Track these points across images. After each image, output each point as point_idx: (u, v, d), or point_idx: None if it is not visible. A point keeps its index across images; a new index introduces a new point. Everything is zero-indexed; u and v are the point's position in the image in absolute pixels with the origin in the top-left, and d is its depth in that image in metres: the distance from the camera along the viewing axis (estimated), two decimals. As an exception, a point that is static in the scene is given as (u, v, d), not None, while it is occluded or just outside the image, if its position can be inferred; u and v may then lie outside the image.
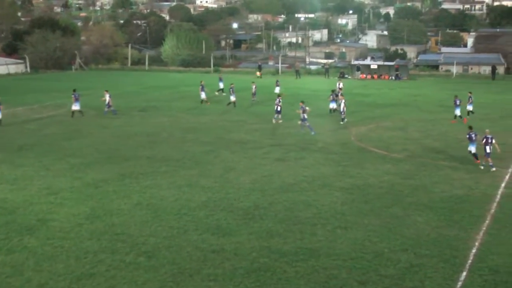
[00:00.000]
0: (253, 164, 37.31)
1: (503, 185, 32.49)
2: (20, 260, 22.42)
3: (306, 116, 46.79)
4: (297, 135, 45.97)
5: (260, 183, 32.85)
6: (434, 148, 41.56)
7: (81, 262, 22.14)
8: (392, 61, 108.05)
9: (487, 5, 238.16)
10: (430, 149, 41.31)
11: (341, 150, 41.31)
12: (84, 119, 53.42)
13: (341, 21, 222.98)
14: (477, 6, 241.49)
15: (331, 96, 56.77)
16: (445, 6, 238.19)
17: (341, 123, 51.72)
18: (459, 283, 20.49)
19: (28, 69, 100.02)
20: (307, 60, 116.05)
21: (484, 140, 36.19)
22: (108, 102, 55.73)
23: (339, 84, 65.62)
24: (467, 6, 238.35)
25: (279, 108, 52.33)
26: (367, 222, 26.50)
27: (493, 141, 35.96)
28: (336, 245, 23.79)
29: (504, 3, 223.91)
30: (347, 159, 38.70)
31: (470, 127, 38.29)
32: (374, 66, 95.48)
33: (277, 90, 67.58)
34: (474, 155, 37.21)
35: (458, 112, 53.05)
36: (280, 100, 52.98)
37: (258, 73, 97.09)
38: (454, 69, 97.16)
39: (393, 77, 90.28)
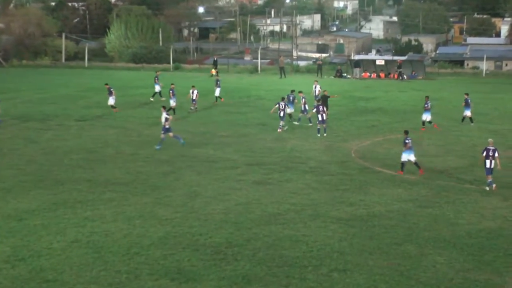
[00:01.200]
0: (224, 188, 37.33)
1: (548, 215, 32.79)
2: None
3: (307, 107, 48.20)
4: (282, 151, 46.04)
5: (234, 213, 32.85)
6: (458, 168, 41.84)
7: (0, 319, 22.08)
8: (404, 55, 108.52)
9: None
10: (452, 168, 41.57)
11: (339, 170, 41.48)
12: (3, 131, 53.24)
13: (338, 3, 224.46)
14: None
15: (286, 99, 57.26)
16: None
17: (296, 123, 55.08)
18: None
19: None
20: (295, 54, 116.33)
21: (485, 152, 37.34)
22: None
23: (315, 87, 64.73)
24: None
25: (282, 114, 53.51)
26: (372, 264, 26.60)
27: (496, 154, 37.01)
28: (332, 294, 23.90)
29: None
30: (347, 181, 38.85)
31: (406, 132, 41.49)
32: (380, 62, 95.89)
33: (217, 92, 68.59)
34: (403, 164, 40.51)
35: (428, 117, 54.82)
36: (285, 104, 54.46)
37: (213, 71, 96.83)
38: (484, 66, 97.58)
39: (401, 77, 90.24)
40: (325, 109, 51.71)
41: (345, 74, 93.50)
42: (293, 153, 45.88)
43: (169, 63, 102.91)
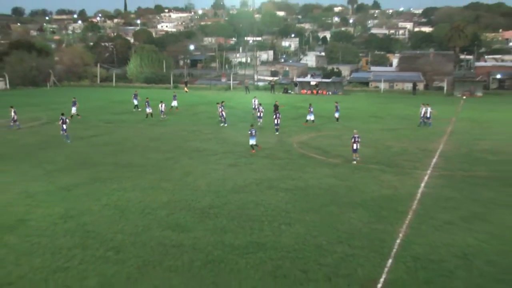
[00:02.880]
0: (208, 169, 37.30)
1: (423, 185, 33.07)
2: (1, 255, 22.21)
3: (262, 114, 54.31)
4: (247, 143, 46.05)
5: (214, 185, 32.89)
6: (366, 154, 41.98)
7: (56, 257, 22.00)
8: (329, 78, 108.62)
9: (409, 31, 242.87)
10: (362, 154, 41.75)
11: (285, 156, 41.53)
12: (57, 130, 52.76)
13: (285, 43, 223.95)
14: (401, 32, 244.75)
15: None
16: (374, 31, 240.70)
17: (221, 125, 55.35)
18: (386, 269, 20.89)
19: (8, 86, 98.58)
20: (255, 77, 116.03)
21: (352, 139, 39.23)
22: (13, 118, 53.43)
23: (254, 101, 63.77)
24: (392, 31, 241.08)
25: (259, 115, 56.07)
26: (308, 219, 26.75)
27: (359, 139, 39.26)
28: (281, 239, 23.98)
29: (423, 29, 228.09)
30: (291, 164, 38.93)
31: (252, 125, 44.69)
32: (313, 82, 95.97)
33: (174, 103, 67.28)
34: (252, 146, 43.04)
35: (312, 117, 56.75)
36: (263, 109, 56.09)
37: (185, 89, 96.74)
38: (382, 85, 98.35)
39: (317, 93, 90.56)
40: (278, 115, 51.78)
41: (290, 91, 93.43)
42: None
43: (170, 83, 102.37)
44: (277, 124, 51.10)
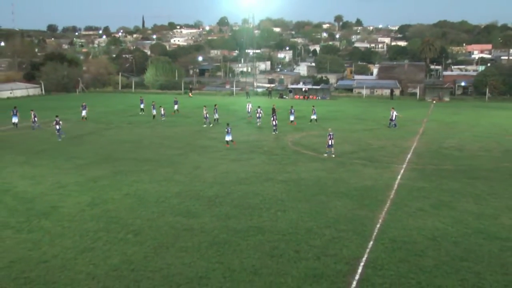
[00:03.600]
0: (214, 163, 37.30)
1: (399, 177, 33.10)
2: (38, 237, 22.26)
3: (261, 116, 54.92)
4: (248, 141, 46.07)
5: (220, 177, 32.89)
6: (350, 151, 42.03)
7: (84, 239, 22.04)
8: (318, 85, 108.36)
9: (387, 45, 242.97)
10: (347, 151, 41.78)
11: (281, 152, 41.51)
12: (85, 129, 52.81)
13: (280, 55, 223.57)
14: (380, 45, 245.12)
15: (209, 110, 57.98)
16: (357, 44, 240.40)
17: (204, 125, 55.14)
18: (367, 250, 20.96)
19: (43, 92, 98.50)
20: (255, 84, 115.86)
21: (328, 136, 39.84)
22: (33, 119, 52.86)
23: (248, 106, 63.55)
24: (373, 45, 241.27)
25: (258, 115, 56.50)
26: (300, 206, 26.77)
27: (333, 136, 39.93)
28: (277, 224, 24.01)
29: (399, 43, 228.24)
30: (285, 159, 38.92)
31: (228, 124, 45.50)
32: (305, 89, 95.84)
33: (175, 107, 66.38)
34: (227, 142, 43.92)
35: (292, 118, 57.56)
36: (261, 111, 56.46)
37: (190, 94, 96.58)
38: (364, 92, 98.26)
39: (307, 98, 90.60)
40: (275, 117, 51.81)
41: (285, 96, 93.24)
42: (254, 142, 45.82)
43: (181, 89, 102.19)
44: (275, 125, 50.98)
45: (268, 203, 27.46)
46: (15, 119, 53.92)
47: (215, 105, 59.85)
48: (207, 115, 55.92)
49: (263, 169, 35.50)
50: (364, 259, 20.18)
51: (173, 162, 37.72)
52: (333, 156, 39.54)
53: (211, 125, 55.54)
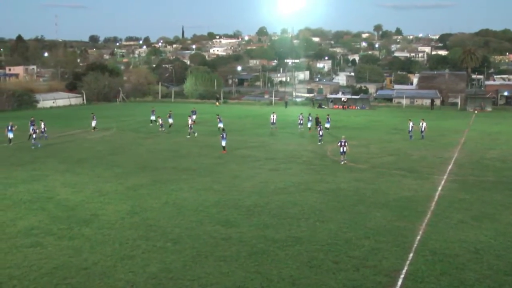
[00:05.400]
0: (253, 173, 37.33)
1: (440, 188, 32.61)
2: (79, 244, 22.54)
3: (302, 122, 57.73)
4: (286, 151, 46.02)
5: (258, 187, 32.88)
6: (389, 161, 41.63)
7: (123, 247, 22.24)
8: (357, 95, 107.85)
9: (427, 54, 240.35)
10: (386, 161, 41.39)
11: (320, 162, 41.35)
12: (125, 138, 53.47)
13: (319, 65, 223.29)
14: (420, 54, 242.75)
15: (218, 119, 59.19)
16: (397, 54, 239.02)
17: (190, 133, 54.84)
18: (407, 262, 20.64)
19: (84, 101, 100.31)
20: (294, 94, 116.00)
21: (339, 143, 40.34)
22: (43, 129, 52.47)
23: (273, 116, 61.75)
24: (413, 54, 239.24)
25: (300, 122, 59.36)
26: (339, 217, 26.57)
27: (346, 144, 40.23)
28: (315, 234, 23.86)
29: (440, 52, 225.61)
30: (324, 169, 38.74)
31: (223, 129, 48.39)
32: (344, 98, 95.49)
33: (193, 117, 64.38)
34: (223, 147, 45.36)
35: (328, 125, 58.34)
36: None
37: (217, 103, 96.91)
38: (404, 101, 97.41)
39: (345, 108, 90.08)
40: (321, 127, 51.84)
41: (323, 106, 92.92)
42: (293, 152, 45.75)
43: (220, 99, 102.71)
44: (321, 136, 50.68)
45: (307, 213, 27.33)
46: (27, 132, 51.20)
47: (218, 115, 60.69)
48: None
49: (301, 179, 35.37)
50: (404, 271, 19.88)
51: (211, 171, 37.88)
52: (344, 163, 40.19)
53: (195, 134, 54.89)
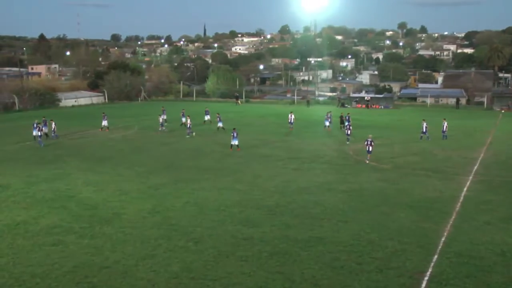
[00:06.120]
0: (275, 172, 37.33)
1: (465, 189, 32.29)
2: (100, 243, 22.74)
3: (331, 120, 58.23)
4: (309, 150, 45.92)
5: (280, 187, 32.88)
6: (414, 161, 41.33)
7: (145, 246, 22.38)
8: (381, 94, 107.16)
9: (453, 52, 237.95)
10: (410, 161, 41.10)
11: (343, 162, 41.22)
12: (146, 137, 53.78)
13: (342, 63, 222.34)
14: (445, 53, 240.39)
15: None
16: (421, 52, 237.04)
17: (187, 136, 54.35)
18: (432, 263, 20.49)
19: (106, 100, 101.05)
20: (316, 93, 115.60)
21: (366, 142, 40.88)
22: (54, 129, 52.75)
23: (291, 116, 61.48)
24: (437, 52, 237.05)
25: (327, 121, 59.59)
26: (362, 217, 26.46)
27: (373, 143, 40.82)
28: (338, 235, 23.79)
29: (465, 50, 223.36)
30: (347, 169, 38.61)
31: (234, 128, 47.37)
32: (367, 98, 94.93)
33: (207, 117, 64.83)
34: (231, 146, 45.86)
35: (327, 123, 59.72)
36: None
37: (238, 102, 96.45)
38: (428, 101, 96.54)
39: (369, 107, 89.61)
40: (349, 126, 51.74)
41: (346, 105, 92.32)
42: (315, 152, 45.64)
43: (242, 98, 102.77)
44: (348, 135, 50.57)
45: (329, 213, 27.26)
46: (35, 132, 50.36)
47: (218, 114, 60.45)
48: (190, 125, 54.92)
49: (324, 178, 35.29)
50: (428, 273, 19.73)
51: (233, 170, 37.94)
52: (367, 162, 40.53)
53: (193, 134, 54.81)
